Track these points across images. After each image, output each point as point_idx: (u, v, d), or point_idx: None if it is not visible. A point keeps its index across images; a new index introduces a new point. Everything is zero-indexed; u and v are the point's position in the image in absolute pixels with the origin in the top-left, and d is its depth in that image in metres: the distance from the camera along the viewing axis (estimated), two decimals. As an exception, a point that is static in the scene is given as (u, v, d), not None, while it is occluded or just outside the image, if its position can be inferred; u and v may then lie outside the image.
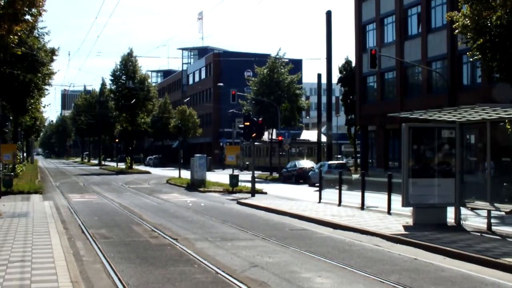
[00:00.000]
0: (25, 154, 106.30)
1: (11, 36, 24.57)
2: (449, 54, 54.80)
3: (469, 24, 30.86)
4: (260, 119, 43.07)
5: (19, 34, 25.22)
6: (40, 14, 25.46)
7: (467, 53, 35.24)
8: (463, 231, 20.24)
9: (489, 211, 20.42)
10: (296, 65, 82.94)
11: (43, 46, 51.13)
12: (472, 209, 22.84)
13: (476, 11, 30.48)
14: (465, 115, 20.69)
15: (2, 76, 45.40)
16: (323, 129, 73.81)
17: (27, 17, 24.62)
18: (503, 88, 33.56)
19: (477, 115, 20.11)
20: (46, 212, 26.30)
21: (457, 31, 32.87)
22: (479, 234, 19.64)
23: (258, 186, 42.51)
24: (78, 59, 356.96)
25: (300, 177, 56.33)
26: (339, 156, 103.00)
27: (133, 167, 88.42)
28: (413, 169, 22.02)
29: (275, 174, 66.89)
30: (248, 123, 39.70)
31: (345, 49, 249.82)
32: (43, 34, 51.01)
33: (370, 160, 70.50)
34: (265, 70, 71.99)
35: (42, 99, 57.87)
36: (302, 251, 17.33)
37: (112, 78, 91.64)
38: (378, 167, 64.66)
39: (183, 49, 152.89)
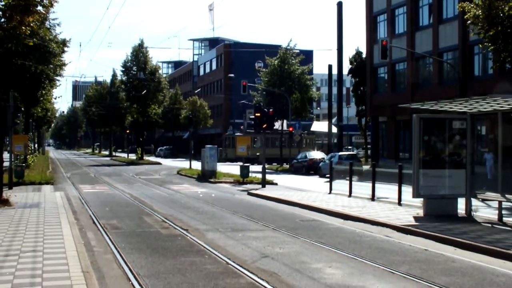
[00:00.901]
0: (36, 145, 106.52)
1: (23, 27, 24.58)
2: (460, 45, 54.56)
3: (481, 14, 30.78)
4: (271, 110, 43.03)
5: (31, 25, 25.22)
6: (51, 5, 25.48)
7: (479, 44, 35.18)
8: (473, 222, 20.20)
9: (500, 202, 20.37)
10: (307, 56, 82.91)
11: (55, 37, 51.23)
12: (483, 200, 22.82)
13: (488, 1, 30.41)
14: (476, 106, 20.63)
15: (14, 67, 45.44)
16: (333, 120, 73.71)
17: (39, 8, 24.64)
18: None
19: (489, 106, 20.05)
20: (57, 202, 26.40)
21: (469, 21, 32.78)
22: (490, 225, 19.61)
23: (268, 177, 42.52)
24: (89, 50, 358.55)
25: (310, 168, 56.31)
26: (349, 147, 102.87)
27: (144, 158, 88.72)
28: (423, 160, 21.96)
29: (286, 165, 66.88)
30: (259, 114, 39.68)
31: (356, 40, 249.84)
32: (55, 25, 51.15)
33: (381, 151, 70.32)
34: (276, 61, 71.86)
35: (54, 90, 58.19)
36: (312, 241, 17.35)
37: (123, 69, 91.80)
38: (388, 158, 64.49)
39: (194, 40, 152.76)
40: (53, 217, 21.12)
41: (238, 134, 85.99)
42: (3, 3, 24.27)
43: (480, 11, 30.84)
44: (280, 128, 76.48)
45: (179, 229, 19.80)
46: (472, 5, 31.68)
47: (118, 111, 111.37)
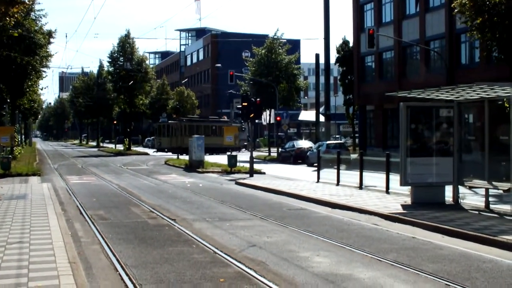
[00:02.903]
0: (23, 137, 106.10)
1: (7, 18, 24.47)
2: (447, 33, 54.65)
3: (467, 2, 30.79)
4: (258, 99, 42.97)
5: (15, 16, 25.10)
6: (36, -4, 25.35)
7: (466, 33, 35.20)
8: (461, 210, 20.25)
9: (487, 190, 20.43)
10: (294, 45, 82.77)
11: (40, 28, 51.08)
12: (470, 187, 22.88)
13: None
14: (463, 94, 20.66)
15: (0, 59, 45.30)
16: (321, 109, 73.74)
17: (23, -2, 24.50)
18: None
19: (475, 94, 20.08)
20: (44, 194, 26.30)
21: (455, 10, 32.80)
22: (477, 212, 19.67)
23: (256, 166, 42.53)
24: (76, 41, 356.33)
25: (298, 157, 56.32)
26: (337, 136, 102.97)
27: (132, 148, 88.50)
28: (411, 148, 21.98)
29: (274, 154, 66.88)
30: (246, 104, 39.61)
31: (343, 29, 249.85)
32: (40, 17, 51.03)
33: (369, 140, 70.48)
34: (262, 51, 71.72)
35: (40, 81, 57.95)
36: (300, 230, 17.35)
37: (110, 60, 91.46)
38: (376, 147, 64.65)
39: (180, 30, 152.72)
40: (40, 209, 21.03)
41: (171, 121, 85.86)
42: (-13, -6, 24.13)
43: (466, 0, 30.86)
44: (268, 118, 76.43)
45: (166, 219, 19.77)
46: (458, -7, 31.68)
47: (105, 102, 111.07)
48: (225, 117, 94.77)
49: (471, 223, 17.15)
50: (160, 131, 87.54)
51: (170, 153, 75.94)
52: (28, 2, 26.19)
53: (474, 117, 22.82)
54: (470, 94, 20.42)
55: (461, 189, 22.25)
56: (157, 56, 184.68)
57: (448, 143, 22.08)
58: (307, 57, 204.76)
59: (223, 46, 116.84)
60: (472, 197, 22.96)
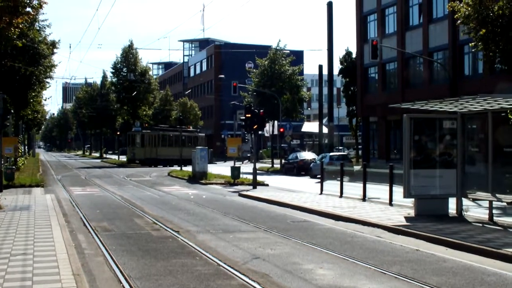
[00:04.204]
0: (26, 148, 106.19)
1: (12, 29, 24.53)
2: (450, 44, 54.73)
3: (471, 14, 30.81)
4: (262, 110, 42.98)
5: (20, 26, 25.16)
6: (40, 6, 25.44)
7: (469, 44, 35.22)
8: (464, 222, 20.22)
9: (490, 202, 20.40)
10: (297, 57, 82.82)
11: (44, 38, 51.17)
12: (474, 200, 22.83)
13: (478, 0, 30.41)
14: (466, 106, 20.65)
15: (3, 69, 45.41)
16: (324, 120, 73.78)
17: (28, 9, 24.57)
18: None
19: (479, 105, 20.08)
20: (47, 205, 26.30)
21: (459, 21, 32.85)
22: (480, 224, 19.63)
23: (259, 178, 42.50)
24: (79, 52, 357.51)
25: (301, 169, 56.32)
26: (340, 147, 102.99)
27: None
28: (414, 160, 21.97)
29: (277, 166, 66.86)
30: (249, 115, 39.62)
31: (346, 40, 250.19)
32: (44, 27, 51.07)
33: (372, 151, 70.50)
34: (266, 62, 71.72)
35: (43, 92, 57.97)
36: (304, 242, 17.32)
37: (113, 70, 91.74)
38: (379, 158, 64.66)
39: (184, 41, 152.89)
40: (43, 220, 21.03)
41: (145, 131, 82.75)
42: (-9, 4, 24.21)
43: (470, 11, 30.88)
44: (271, 130, 76.40)
45: (170, 230, 19.75)
46: (462, 5, 31.70)
47: (109, 112, 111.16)
48: (190, 127, 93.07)
49: (474, 236, 17.12)
50: (133, 141, 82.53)
51: (145, 166, 75.31)
52: (32, 13, 26.19)
53: (478, 129, 22.81)
54: (473, 106, 20.42)
55: (465, 201, 22.22)
56: (160, 67, 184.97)
57: (452, 155, 22.09)
58: (310, 68, 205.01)
59: (226, 57, 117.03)
60: (475, 210, 22.93)
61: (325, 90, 73.18)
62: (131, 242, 17.47)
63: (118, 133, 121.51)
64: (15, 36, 27.01)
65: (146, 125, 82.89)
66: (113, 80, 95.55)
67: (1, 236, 17.36)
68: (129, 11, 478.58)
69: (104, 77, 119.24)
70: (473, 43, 33.01)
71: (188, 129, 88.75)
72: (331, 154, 53.89)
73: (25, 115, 63.67)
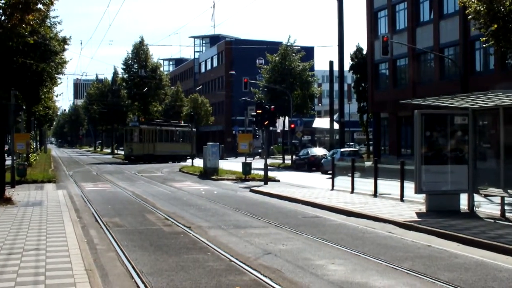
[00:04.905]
0: (38, 144, 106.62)
1: (23, 26, 24.60)
2: (461, 40, 54.50)
3: (482, 9, 30.67)
4: (273, 106, 43.01)
5: (31, 23, 25.22)
6: (52, 3, 25.47)
7: (480, 39, 35.06)
8: (476, 218, 20.20)
9: (502, 198, 20.38)
10: (308, 53, 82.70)
11: (55, 35, 51.35)
12: (486, 195, 22.77)
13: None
14: (478, 102, 20.61)
15: (15, 65, 45.54)
16: (335, 116, 73.69)
17: (39, 6, 24.61)
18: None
19: (490, 101, 20.04)
20: (59, 201, 26.41)
21: (470, 17, 32.70)
22: (492, 220, 19.60)
23: (270, 173, 42.55)
24: (90, 48, 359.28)
25: (312, 165, 56.29)
26: (351, 143, 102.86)
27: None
28: (425, 156, 21.97)
29: (288, 162, 66.85)
30: (260, 111, 39.66)
31: (357, 36, 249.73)
32: (55, 23, 51.31)
33: (383, 147, 70.36)
34: (276, 58, 71.68)
35: (55, 88, 58.32)
36: (315, 238, 17.35)
37: (124, 66, 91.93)
38: (390, 154, 64.54)
39: (195, 37, 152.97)
40: (55, 215, 21.13)
41: (144, 126, 78.71)
42: (3, 1, 24.33)
43: (481, 6, 30.75)
44: (281, 125, 76.40)
45: (181, 226, 19.81)
46: (473, 0, 31.59)
47: (120, 108, 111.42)
48: (181, 122, 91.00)
49: (486, 232, 17.10)
50: (131, 136, 78.73)
51: (141, 163, 72.97)
52: (43, 9, 26.26)
53: (489, 125, 22.76)
54: (485, 102, 20.38)
55: (476, 197, 22.18)
56: (171, 63, 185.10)
57: (463, 151, 22.05)
58: (321, 64, 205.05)
59: (237, 53, 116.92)
60: (487, 205, 22.87)
61: (336, 86, 73.00)
62: (142, 238, 17.53)
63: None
64: (26, 33, 27.06)
65: (143, 119, 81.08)
66: (124, 76, 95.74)
67: (14, 231, 17.46)
68: (140, 7, 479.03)
69: (115, 73, 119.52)
70: (484, 39, 32.88)
71: (181, 124, 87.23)
72: (342, 150, 53.82)
73: (36, 111, 63.98)
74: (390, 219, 20.31)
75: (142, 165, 69.57)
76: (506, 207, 20.63)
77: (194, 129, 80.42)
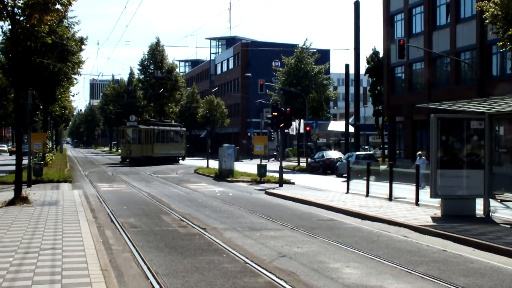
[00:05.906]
0: (54, 143, 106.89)
1: (41, 26, 24.77)
2: (478, 44, 54.32)
3: (499, 13, 30.61)
4: (288, 109, 43.01)
5: (49, 23, 25.37)
6: (70, 3, 25.58)
7: (497, 43, 34.95)
8: (492, 223, 20.13)
9: (518, 203, 20.31)
10: (323, 55, 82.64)
11: (73, 35, 51.57)
12: (502, 201, 22.74)
13: (506, 0, 30.20)
14: (494, 106, 20.56)
15: (32, 65, 45.75)
16: (351, 119, 73.63)
17: (58, 6, 24.75)
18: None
19: (507, 106, 19.98)
20: (75, 200, 26.53)
21: (487, 21, 32.64)
22: (508, 226, 19.53)
23: (285, 176, 42.53)
24: (107, 49, 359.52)
25: (327, 168, 56.18)
26: (366, 147, 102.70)
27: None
28: (441, 160, 21.92)
29: (303, 164, 66.82)
30: (276, 113, 39.70)
31: (373, 40, 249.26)
32: (73, 24, 51.52)
33: (398, 151, 70.25)
34: (292, 60, 71.58)
35: (71, 88, 58.46)
36: (330, 241, 17.36)
37: (140, 67, 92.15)
38: (405, 158, 64.37)
39: (211, 38, 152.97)
40: (71, 215, 21.24)
41: (142, 126, 74.54)
42: (22, 1, 24.47)
43: (498, 10, 30.68)
44: (296, 128, 76.32)
45: (197, 228, 19.85)
46: (490, 4, 31.50)
47: (135, 109, 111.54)
48: (172, 121, 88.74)
49: (502, 237, 17.05)
50: (129, 137, 74.18)
51: (139, 165, 67.86)
52: (61, 10, 26.39)
53: (506, 129, 22.70)
54: (502, 106, 20.33)
55: (492, 202, 22.11)
56: (187, 64, 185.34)
57: (479, 156, 21.99)
58: (337, 67, 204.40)
59: (253, 55, 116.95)
60: (503, 211, 22.80)
61: (351, 90, 73.01)
62: (158, 239, 17.59)
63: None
64: (44, 33, 27.20)
65: (139, 119, 78.99)
66: (140, 77, 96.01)
67: (31, 230, 17.57)
68: (156, 9, 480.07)
69: (131, 74, 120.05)
70: (501, 43, 32.78)
71: (173, 123, 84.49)
72: (357, 153, 53.76)
73: (53, 111, 64.18)
74: (405, 223, 20.28)
75: (157, 165, 69.28)
76: (522, 213, 20.56)
77: (184, 128, 79.12)
